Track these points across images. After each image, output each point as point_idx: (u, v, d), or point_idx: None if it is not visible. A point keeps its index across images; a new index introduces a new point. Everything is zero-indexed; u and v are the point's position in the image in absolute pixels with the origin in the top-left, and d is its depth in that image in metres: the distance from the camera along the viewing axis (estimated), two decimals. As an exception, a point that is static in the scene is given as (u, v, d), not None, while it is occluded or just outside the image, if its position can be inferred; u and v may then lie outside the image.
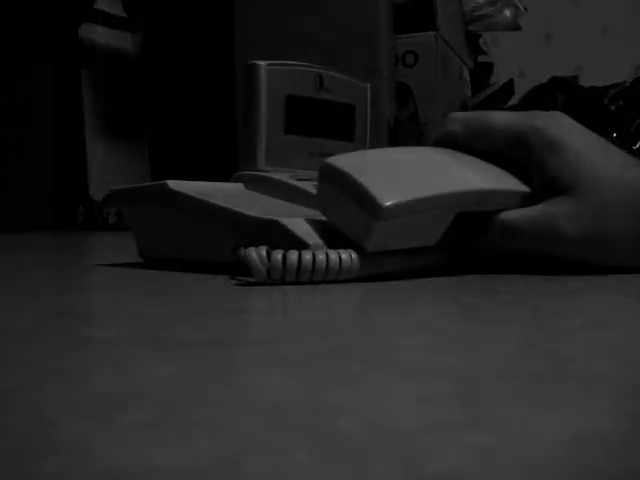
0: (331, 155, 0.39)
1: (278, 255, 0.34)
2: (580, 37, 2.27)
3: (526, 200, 0.40)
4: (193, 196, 0.42)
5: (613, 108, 1.28)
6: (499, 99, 1.51)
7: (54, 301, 0.30)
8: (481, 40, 1.57)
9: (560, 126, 0.40)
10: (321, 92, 0.48)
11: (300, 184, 0.44)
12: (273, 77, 0.46)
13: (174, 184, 0.43)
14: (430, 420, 0.13)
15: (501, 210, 0.39)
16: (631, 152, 1.18)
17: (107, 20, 1.57)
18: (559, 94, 1.35)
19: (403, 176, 0.37)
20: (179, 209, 0.42)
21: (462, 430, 0.12)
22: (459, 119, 0.43)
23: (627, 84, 1.32)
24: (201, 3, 1.55)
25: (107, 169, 1.56)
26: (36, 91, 1.51)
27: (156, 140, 1.63)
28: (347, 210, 0.36)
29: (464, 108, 1.36)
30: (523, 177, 0.40)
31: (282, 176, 0.46)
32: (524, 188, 0.40)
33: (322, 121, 0.49)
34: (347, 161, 0.38)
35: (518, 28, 1.48)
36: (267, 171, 0.47)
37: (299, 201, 0.44)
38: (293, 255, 0.34)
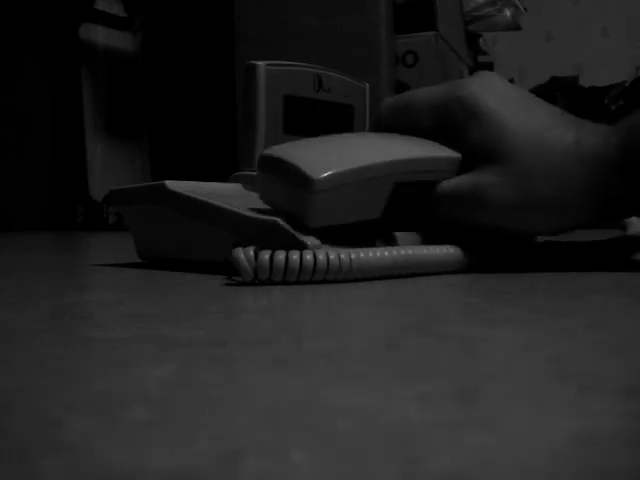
0: None
1: (265, 255, 0.34)
2: (580, 37, 2.27)
3: (462, 168, 0.40)
4: (192, 196, 0.42)
5: (613, 108, 1.28)
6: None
7: (54, 301, 0.30)
8: (481, 40, 1.57)
9: (483, 92, 0.39)
10: (320, 92, 0.48)
11: None
12: (271, 77, 0.47)
13: (172, 184, 0.43)
14: (430, 420, 0.13)
15: (438, 181, 0.40)
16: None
17: (107, 20, 1.57)
18: (559, 94, 1.35)
19: (335, 152, 0.39)
20: (177, 209, 0.42)
21: (462, 430, 0.12)
22: (388, 103, 0.43)
23: (627, 84, 1.32)
24: (201, 3, 1.55)
25: (107, 169, 1.56)
26: (36, 91, 1.51)
27: (156, 140, 1.62)
28: (285, 192, 0.38)
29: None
30: (457, 148, 0.41)
31: None
32: (457, 155, 0.40)
33: (321, 121, 0.49)
34: (280, 148, 0.40)
35: (518, 28, 1.48)
36: None
37: None
38: (280, 255, 0.34)
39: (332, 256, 0.34)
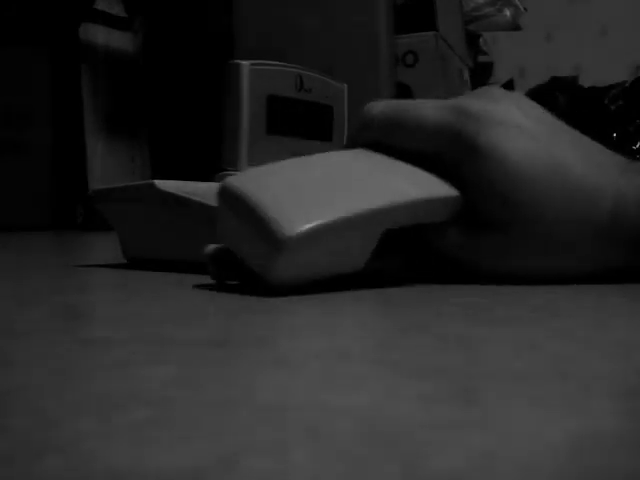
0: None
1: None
2: (580, 37, 2.27)
3: (457, 204, 0.35)
4: (180, 195, 0.42)
5: (613, 108, 1.28)
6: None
7: (54, 301, 0.30)
8: (481, 40, 1.57)
9: (499, 126, 0.33)
10: (301, 92, 0.48)
11: None
12: (255, 77, 0.46)
13: (161, 183, 0.43)
14: (430, 420, 0.13)
15: (430, 224, 0.35)
16: (631, 152, 1.18)
17: (107, 20, 1.57)
18: (559, 94, 1.35)
19: (314, 193, 0.32)
20: (166, 208, 0.42)
21: (462, 430, 0.12)
22: (381, 110, 0.36)
23: (627, 84, 1.32)
24: (201, 3, 1.55)
25: (107, 169, 1.56)
26: (36, 91, 1.51)
27: (156, 139, 1.63)
28: (248, 240, 0.31)
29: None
30: (451, 177, 0.35)
31: None
32: (454, 193, 0.34)
33: (302, 121, 0.49)
34: (247, 180, 0.32)
35: (518, 28, 1.48)
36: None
37: None
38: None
39: None
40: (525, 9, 1.49)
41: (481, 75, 1.53)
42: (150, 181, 0.43)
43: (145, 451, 0.11)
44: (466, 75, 1.42)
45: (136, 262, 0.47)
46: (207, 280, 0.37)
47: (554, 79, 1.42)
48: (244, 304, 0.29)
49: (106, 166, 1.56)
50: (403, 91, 1.19)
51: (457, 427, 0.12)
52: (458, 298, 0.30)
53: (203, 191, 0.43)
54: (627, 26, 2.23)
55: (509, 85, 1.55)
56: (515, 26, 1.46)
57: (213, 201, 0.40)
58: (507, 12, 1.44)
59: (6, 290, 0.35)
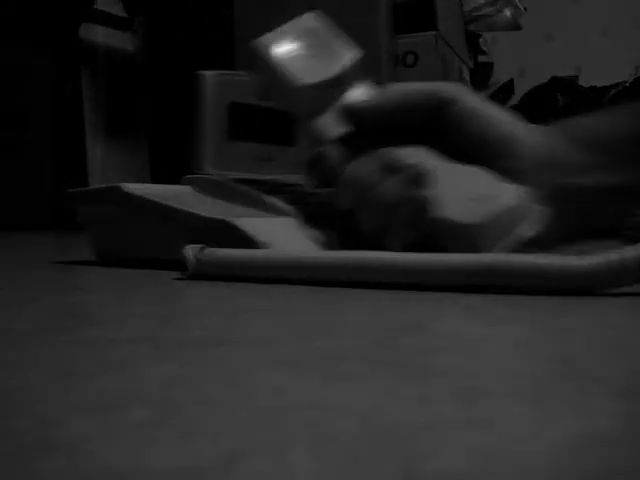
0: (273, 160, 0.45)
1: (206, 251, 0.36)
2: (580, 37, 2.27)
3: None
4: (146, 197, 0.44)
5: (613, 108, 1.27)
6: (499, 99, 1.51)
7: (54, 301, 0.30)
8: (481, 40, 1.57)
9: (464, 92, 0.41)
10: (262, 100, 0.51)
11: (244, 187, 0.47)
12: (217, 86, 0.50)
13: (127, 187, 0.45)
14: (430, 420, 0.13)
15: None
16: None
17: (107, 20, 1.57)
18: (559, 94, 1.35)
19: None
20: (134, 210, 0.45)
21: (462, 430, 0.12)
22: (362, 106, 0.40)
23: (627, 84, 1.32)
24: (201, 3, 1.55)
25: (107, 169, 1.56)
26: (36, 91, 1.51)
27: (156, 140, 1.62)
28: None
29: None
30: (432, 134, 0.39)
31: (227, 179, 0.48)
32: None
33: (264, 127, 0.52)
34: None
35: (518, 28, 1.48)
36: (213, 174, 0.49)
37: (243, 203, 0.46)
38: (220, 252, 0.36)
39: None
40: (525, 9, 1.49)
41: (481, 75, 1.53)
42: (118, 184, 0.45)
43: (145, 451, 0.11)
44: (466, 75, 1.42)
45: (105, 260, 0.49)
46: (207, 280, 0.37)
47: (554, 79, 1.42)
48: (244, 304, 0.29)
49: (106, 166, 1.56)
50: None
51: (457, 427, 0.12)
52: (458, 298, 0.30)
53: (168, 193, 0.45)
54: (627, 26, 2.23)
55: (509, 85, 1.55)
56: (515, 26, 1.46)
57: (177, 203, 0.43)
58: (507, 12, 1.44)
59: (6, 290, 0.35)
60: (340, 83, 0.40)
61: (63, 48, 1.55)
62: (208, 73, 0.49)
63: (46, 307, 0.28)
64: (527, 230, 0.36)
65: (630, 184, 0.39)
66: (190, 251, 0.37)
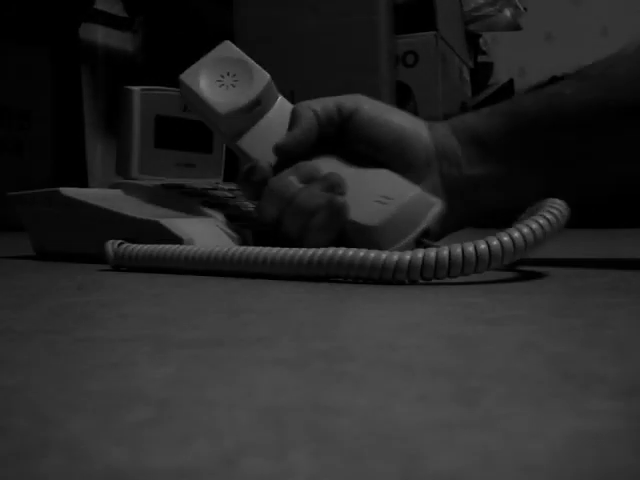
0: (194, 165, 0.56)
1: (123, 245, 0.42)
2: (580, 37, 2.27)
3: None
4: (84, 200, 0.50)
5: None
6: (499, 99, 1.51)
7: (54, 301, 0.30)
8: (481, 40, 1.57)
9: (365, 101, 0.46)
10: (185, 112, 0.57)
11: (167, 191, 0.52)
12: (144, 100, 0.55)
13: (66, 191, 0.51)
14: (430, 420, 0.13)
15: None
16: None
17: (107, 20, 1.57)
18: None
19: None
20: (69, 210, 0.51)
21: (462, 430, 0.12)
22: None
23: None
24: (201, 3, 1.55)
25: (107, 169, 1.56)
26: (36, 91, 1.51)
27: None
28: None
29: (464, 108, 1.36)
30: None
31: (153, 184, 0.54)
32: None
33: (186, 137, 0.58)
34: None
35: (518, 28, 1.48)
36: (140, 179, 0.54)
37: (168, 204, 0.51)
38: (138, 247, 0.42)
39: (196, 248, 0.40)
40: (525, 9, 1.49)
41: (481, 75, 1.53)
42: (57, 188, 0.52)
43: (145, 451, 0.11)
44: (466, 75, 1.42)
45: (44, 255, 0.55)
46: (207, 280, 0.37)
47: (554, 79, 1.42)
48: (244, 304, 0.29)
49: (106, 165, 1.56)
50: (403, 91, 1.19)
51: (457, 427, 0.12)
52: (458, 298, 0.30)
53: (102, 196, 0.52)
54: (627, 26, 2.23)
55: (509, 85, 1.55)
56: (515, 26, 1.46)
57: (110, 205, 0.49)
58: (507, 12, 1.44)
59: (6, 290, 0.35)
60: (259, 103, 0.46)
61: (63, 48, 1.54)
62: (135, 88, 0.56)
63: (46, 307, 0.28)
64: (424, 223, 0.40)
65: (512, 177, 0.43)
66: (109, 246, 0.42)
